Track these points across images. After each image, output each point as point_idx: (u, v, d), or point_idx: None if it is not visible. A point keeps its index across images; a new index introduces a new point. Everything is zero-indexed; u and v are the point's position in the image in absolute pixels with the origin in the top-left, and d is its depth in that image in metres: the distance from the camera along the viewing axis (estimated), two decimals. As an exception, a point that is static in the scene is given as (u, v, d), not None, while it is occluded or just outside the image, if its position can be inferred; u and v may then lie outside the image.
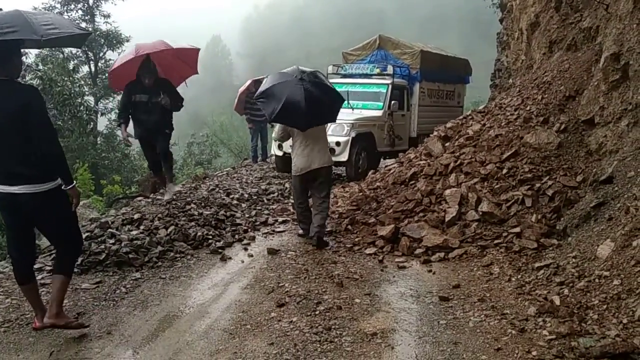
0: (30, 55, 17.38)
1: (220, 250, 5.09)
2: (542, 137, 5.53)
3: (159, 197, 6.61)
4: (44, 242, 4.90)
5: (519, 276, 4.02)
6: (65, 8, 22.37)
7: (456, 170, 5.70)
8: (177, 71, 6.45)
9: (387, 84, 10.04)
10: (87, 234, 4.99)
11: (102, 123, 21.83)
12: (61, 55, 20.76)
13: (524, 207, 4.93)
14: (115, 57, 15.03)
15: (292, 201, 6.04)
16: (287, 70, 5.24)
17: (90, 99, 20.15)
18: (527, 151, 5.52)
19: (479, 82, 16.38)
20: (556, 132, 5.58)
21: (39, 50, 17.44)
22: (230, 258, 4.93)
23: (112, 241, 4.85)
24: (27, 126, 2.99)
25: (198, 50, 6.45)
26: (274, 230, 5.93)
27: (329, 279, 4.25)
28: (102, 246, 4.71)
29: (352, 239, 5.35)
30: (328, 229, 5.52)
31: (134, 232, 5.14)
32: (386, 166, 7.45)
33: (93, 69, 22.81)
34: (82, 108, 17.21)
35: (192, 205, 6.28)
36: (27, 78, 15.79)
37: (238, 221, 6.13)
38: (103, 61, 22.87)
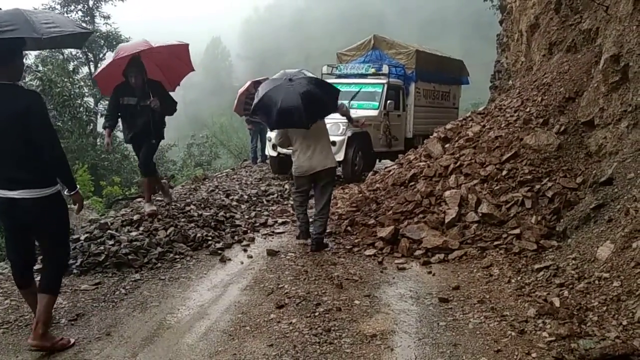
0: (30, 56, 17.42)
1: (219, 252, 5.09)
2: (542, 139, 5.53)
3: (159, 198, 6.60)
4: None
5: (519, 278, 4.01)
6: (65, 9, 22.40)
7: (456, 172, 5.70)
8: (175, 70, 6.23)
9: (383, 84, 9.95)
10: (86, 235, 4.99)
11: (102, 124, 21.78)
12: (61, 57, 20.79)
13: (523, 208, 4.92)
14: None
15: (292, 202, 6.00)
16: (275, 76, 5.24)
17: (90, 100, 20.14)
18: (526, 153, 5.51)
19: (478, 84, 16.40)
20: (556, 134, 5.58)
21: (39, 51, 17.44)
22: (229, 259, 4.93)
23: (111, 242, 4.85)
24: (28, 131, 2.95)
25: (187, 45, 6.07)
26: (273, 232, 5.93)
27: (328, 280, 4.24)
28: (102, 247, 4.71)
29: (352, 241, 5.34)
30: (328, 230, 5.51)
31: (134, 233, 5.14)
32: (386, 167, 7.45)
33: (93, 70, 22.82)
34: (81, 109, 17.23)
35: (192, 206, 6.28)
36: (27, 79, 15.80)
37: (237, 222, 6.13)
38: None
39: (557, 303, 3.36)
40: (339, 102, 5.34)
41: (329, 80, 9.91)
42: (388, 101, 9.73)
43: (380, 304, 3.78)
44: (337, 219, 5.99)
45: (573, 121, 5.68)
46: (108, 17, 23.03)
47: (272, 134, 8.85)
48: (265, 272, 4.53)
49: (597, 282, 3.43)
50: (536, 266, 4.08)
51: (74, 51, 21.92)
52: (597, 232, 3.99)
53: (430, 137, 7.09)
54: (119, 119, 5.90)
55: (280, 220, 6.34)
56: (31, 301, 3.27)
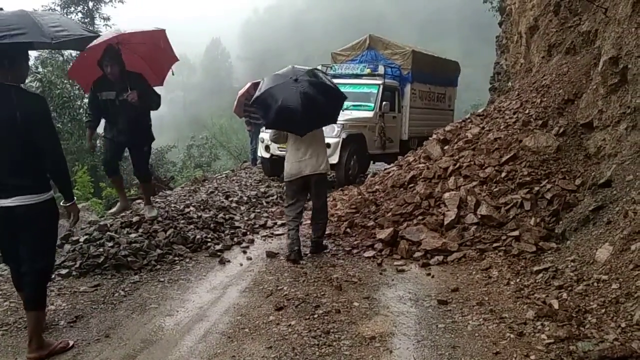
0: (30, 57, 17.34)
1: (219, 253, 5.09)
2: (541, 141, 5.54)
3: (158, 198, 6.61)
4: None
5: (518, 280, 4.01)
6: (65, 10, 22.39)
7: (455, 174, 5.71)
8: (160, 61, 5.69)
9: (378, 85, 9.77)
10: (85, 237, 4.99)
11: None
12: (61, 58, 20.74)
13: (522, 210, 4.93)
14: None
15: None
16: (281, 71, 4.94)
17: (90, 102, 20.11)
18: (526, 155, 5.52)
19: (478, 85, 16.43)
20: (555, 136, 5.58)
21: (39, 53, 17.42)
22: (229, 261, 4.93)
23: (110, 244, 4.84)
24: (28, 134, 2.87)
25: (164, 31, 5.43)
26: (272, 233, 5.94)
27: (327, 282, 4.25)
28: (101, 249, 4.71)
29: (351, 242, 5.35)
30: (327, 232, 5.51)
31: (133, 235, 5.14)
32: (385, 169, 7.45)
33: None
34: (81, 111, 17.18)
35: (191, 208, 6.28)
36: (27, 80, 15.78)
37: (237, 224, 6.14)
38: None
39: (555, 305, 3.36)
40: None
41: None
42: (384, 102, 9.56)
43: (379, 306, 3.78)
44: (336, 221, 5.99)
45: (572, 123, 5.69)
46: (108, 19, 23.00)
47: (265, 135, 8.78)
48: (264, 274, 4.53)
49: (595, 284, 3.43)
50: (535, 268, 4.08)
51: (73, 52, 21.86)
52: (596, 234, 3.99)
53: (430, 139, 7.10)
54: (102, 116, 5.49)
55: (279, 222, 6.34)
56: None
